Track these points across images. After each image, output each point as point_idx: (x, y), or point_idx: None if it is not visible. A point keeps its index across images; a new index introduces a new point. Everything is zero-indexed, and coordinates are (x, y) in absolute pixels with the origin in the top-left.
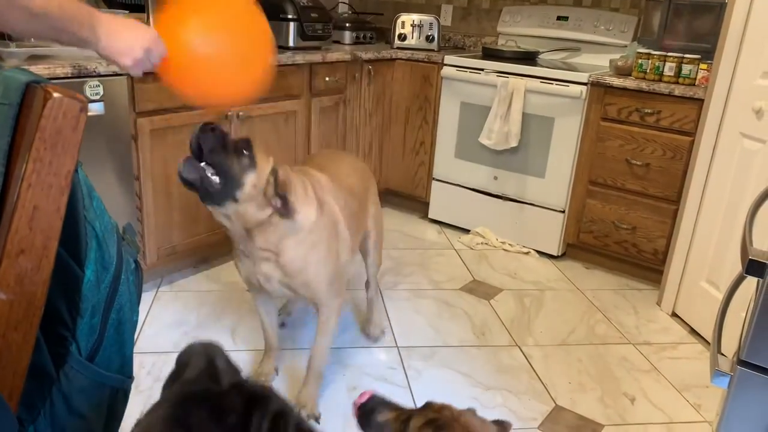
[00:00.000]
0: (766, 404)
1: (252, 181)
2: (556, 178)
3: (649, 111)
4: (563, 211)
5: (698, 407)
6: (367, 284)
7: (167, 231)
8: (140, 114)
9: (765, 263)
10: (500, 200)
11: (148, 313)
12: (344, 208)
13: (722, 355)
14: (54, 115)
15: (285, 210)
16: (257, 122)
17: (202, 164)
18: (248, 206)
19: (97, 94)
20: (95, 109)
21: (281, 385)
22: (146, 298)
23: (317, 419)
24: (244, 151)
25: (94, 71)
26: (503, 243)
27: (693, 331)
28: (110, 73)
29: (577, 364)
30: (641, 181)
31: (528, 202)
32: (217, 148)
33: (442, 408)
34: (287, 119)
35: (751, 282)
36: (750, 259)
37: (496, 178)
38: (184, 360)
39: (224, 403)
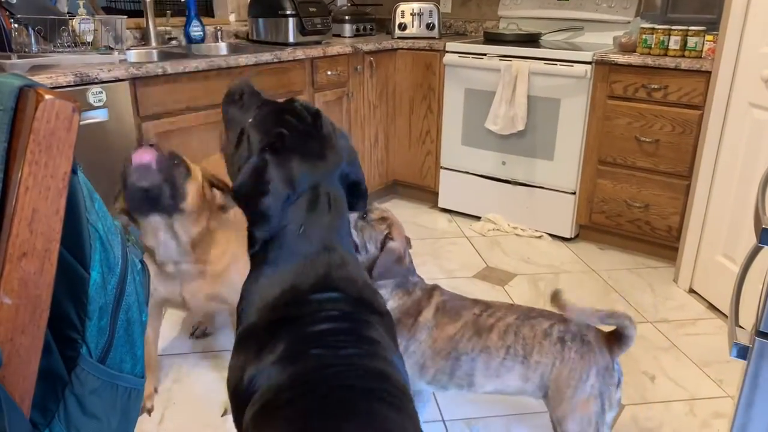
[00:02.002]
0: None
1: (193, 187)
2: (565, 159)
3: (656, 86)
4: (574, 193)
5: (720, 382)
6: None
7: None
8: (144, 118)
9: None
10: (510, 185)
11: (163, 315)
12: None
13: (741, 327)
14: (47, 117)
15: (226, 198)
16: None
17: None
18: (192, 215)
19: (100, 100)
20: (99, 115)
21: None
22: None
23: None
24: (176, 162)
25: (96, 78)
26: (515, 228)
27: (711, 307)
28: (112, 79)
29: None
30: (651, 158)
31: (538, 185)
32: (164, 162)
33: (386, 210)
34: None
35: (767, 253)
36: (764, 229)
37: (504, 163)
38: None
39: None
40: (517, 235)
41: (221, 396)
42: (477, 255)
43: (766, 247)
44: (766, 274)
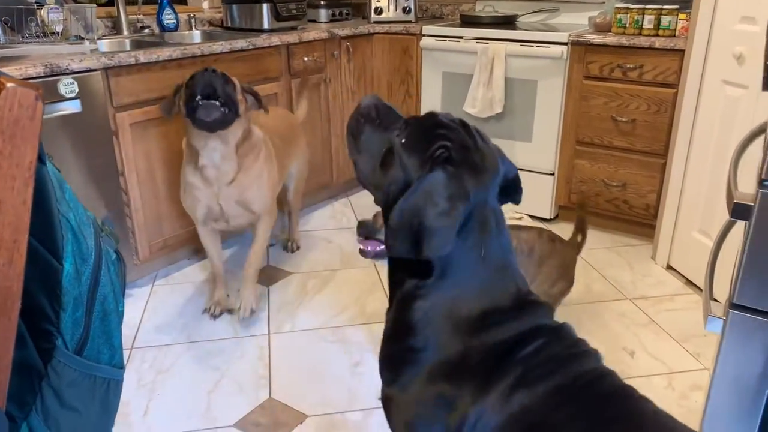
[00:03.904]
0: (758, 344)
1: (238, 94)
2: (543, 141)
3: (631, 66)
4: (553, 174)
5: (698, 356)
6: (289, 213)
7: (157, 224)
8: (119, 108)
9: (750, 205)
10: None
11: (145, 308)
12: (273, 144)
13: (716, 301)
14: (9, 105)
15: (257, 101)
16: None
17: (215, 102)
18: (241, 119)
19: (72, 91)
20: (72, 107)
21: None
22: (143, 293)
23: (253, 312)
24: (227, 80)
25: (67, 68)
26: None
27: (689, 282)
28: (84, 70)
29: (576, 323)
30: (628, 138)
31: (517, 167)
32: (220, 83)
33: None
34: (268, 103)
35: (740, 227)
36: (735, 203)
37: None
38: (368, 107)
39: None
40: None
41: (207, 386)
42: None
43: (738, 221)
44: (740, 247)
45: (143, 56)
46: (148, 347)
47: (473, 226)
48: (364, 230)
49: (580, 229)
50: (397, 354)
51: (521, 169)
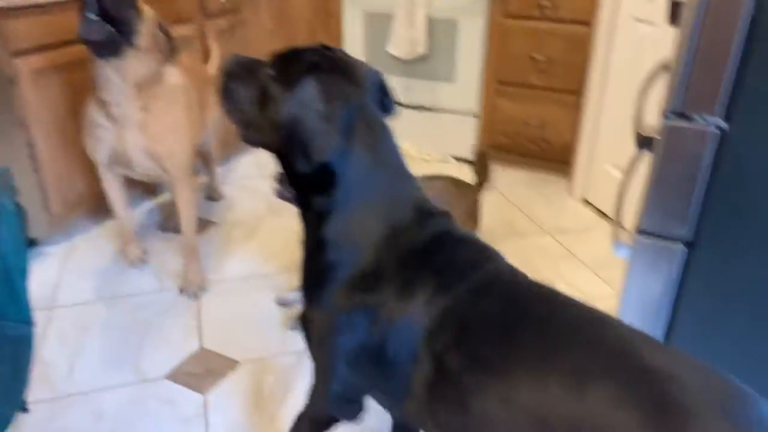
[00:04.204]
0: (660, 266)
1: (144, 26)
2: (466, 82)
3: (548, 4)
4: (476, 115)
5: (610, 282)
6: (208, 163)
7: (70, 179)
8: (15, 54)
9: (653, 138)
10: (415, 110)
11: (65, 265)
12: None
13: (625, 229)
14: None
15: (170, 46)
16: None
17: (97, 18)
18: (142, 53)
19: None
20: None
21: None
22: (61, 249)
23: (203, 290)
24: (125, 3)
25: None
26: (422, 154)
27: (602, 214)
28: None
29: None
30: (546, 76)
31: (442, 109)
32: (111, 7)
33: None
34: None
35: (648, 159)
36: (640, 135)
37: (408, 88)
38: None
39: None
40: (425, 160)
41: (134, 340)
42: None
43: (645, 152)
44: (646, 178)
45: None
46: (70, 306)
47: (359, 130)
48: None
49: (482, 173)
50: (314, 273)
51: (446, 111)
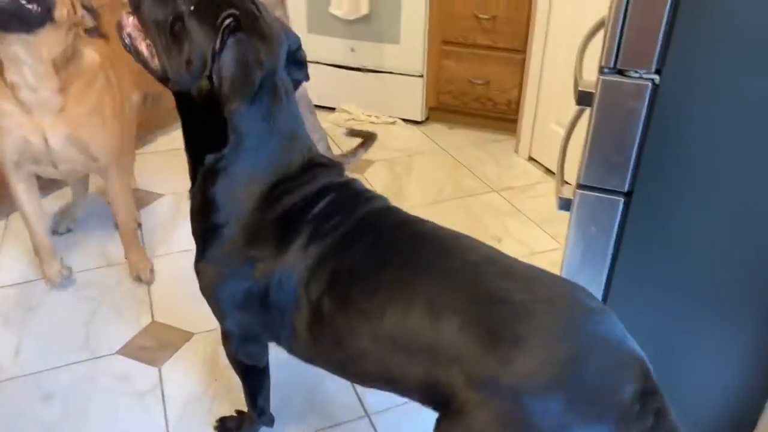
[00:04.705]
0: (602, 220)
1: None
2: (411, 42)
3: None
4: (421, 76)
5: (556, 236)
6: None
7: None
8: None
9: (592, 92)
10: (360, 73)
11: (1, 246)
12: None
13: (567, 183)
14: None
15: (94, 21)
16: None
17: None
18: (59, 28)
19: None
20: None
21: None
22: None
23: (152, 272)
24: None
25: None
26: (369, 116)
27: (548, 171)
28: None
29: (450, 217)
30: (490, 35)
31: (387, 71)
32: None
33: None
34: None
35: (588, 115)
36: (580, 91)
37: (353, 50)
38: None
39: None
40: (371, 122)
41: (82, 318)
42: (334, 145)
43: (584, 108)
44: (585, 133)
45: None
46: (10, 285)
47: (265, 95)
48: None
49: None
50: (204, 231)
51: (391, 72)
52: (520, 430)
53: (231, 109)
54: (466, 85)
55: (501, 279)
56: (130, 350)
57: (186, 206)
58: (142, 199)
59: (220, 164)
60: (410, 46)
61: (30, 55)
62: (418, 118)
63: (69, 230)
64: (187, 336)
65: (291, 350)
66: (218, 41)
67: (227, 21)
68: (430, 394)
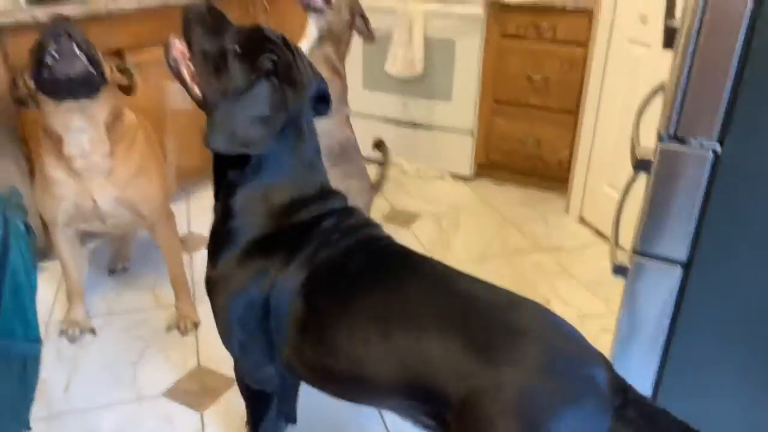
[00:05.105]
0: (659, 287)
1: (106, 67)
2: (462, 100)
3: (546, 25)
4: (472, 132)
5: (607, 301)
6: None
7: None
8: (16, 71)
9: (650, 159)
10: (411, 127)
11: (61, 282)
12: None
13: (622, 249)
14: None
15: (128, 80)
16: (153, 68)
17: (79, 52)
18: (109, 90)
19: None
20: None
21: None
22: (57, 266)
23: (196, 324)
24: (82, 34)
25: None
26: (418, 170)
27: (599, 233)
28: None
29: (496, 275)
30: (542, 96)
31: (438, 126)
32: (79, 34)
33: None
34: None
35: (643, 180)
36: (637, 157)
37: (405, 105)
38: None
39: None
40: (420, 176)
41: (131, 357)
42: (382, 198)
43: (641, 173)
44: (642, 199)
45: (41, 14)
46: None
47: (290, 132)
48: None
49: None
50: (219, 237)
51: (441, 128)
52: (515, 416)
53: (255, 143)
54: (516, 143)
55: (482, 290)
56: (175, 393)
57: None
58: (194, 242)
59: (240, 179)
60: (462, 103)
61: (87, 120)
62: (467, 174)
63: (125, 269)
64: (230, 383)
65: (283, 362)
66: (254, 80)
67: (266, 64)
68: (418, 398)
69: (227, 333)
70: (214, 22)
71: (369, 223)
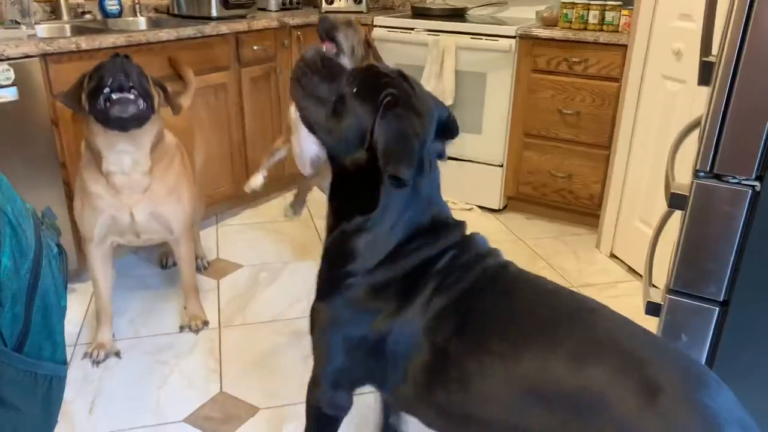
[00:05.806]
0: (694, 327)
1: (153, 90)
2: (492, 133)
3: (577, 60)
4: (501, 165)
5: None
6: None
7: None
8: (58, 97)
9: (685, 195)
10: (441, 159)
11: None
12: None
13: (655, 287)
14: None
15: (168, 98)
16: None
17: (136, 95)
18: (156, 116)
19: (8, 78)
20: (8, 94)
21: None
22: (87, 287)
23: (206, 323)
24: (138, 67)
25: (2, 54)
26: (447, 202)
27: (631, 270)
28: (20, 56)
29: None
30: (573, 130)
31: (468, 159)
32: (135, 72)
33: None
34: (217, 93)
35: (678, 217)
36: (672, 193)
37: None
38: (313, 59)
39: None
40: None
41: (155, 381)
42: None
43: (676, 210)
44: (677, 236)
45: (85, 43)
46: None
47: (417, 165)
48: (325, 24)
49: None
50: (335, 278)
51: (471, 161)
52: None
53: (395, 173)
54: (546, 177)
55: (631, 338)
56: (197, 419)
57: (264, 279)
58: (222, 268)
59: (367, 224)
60: (492, 136)
61: (134, 145)
62: (496, 207)
63: (175, 264)
64: (252, 410)
65: (393, 396)
66: (379, 116)
67: (387, 99)
68: None
69: (326, 360)
70: (327, 68)
71: (485, 253)
